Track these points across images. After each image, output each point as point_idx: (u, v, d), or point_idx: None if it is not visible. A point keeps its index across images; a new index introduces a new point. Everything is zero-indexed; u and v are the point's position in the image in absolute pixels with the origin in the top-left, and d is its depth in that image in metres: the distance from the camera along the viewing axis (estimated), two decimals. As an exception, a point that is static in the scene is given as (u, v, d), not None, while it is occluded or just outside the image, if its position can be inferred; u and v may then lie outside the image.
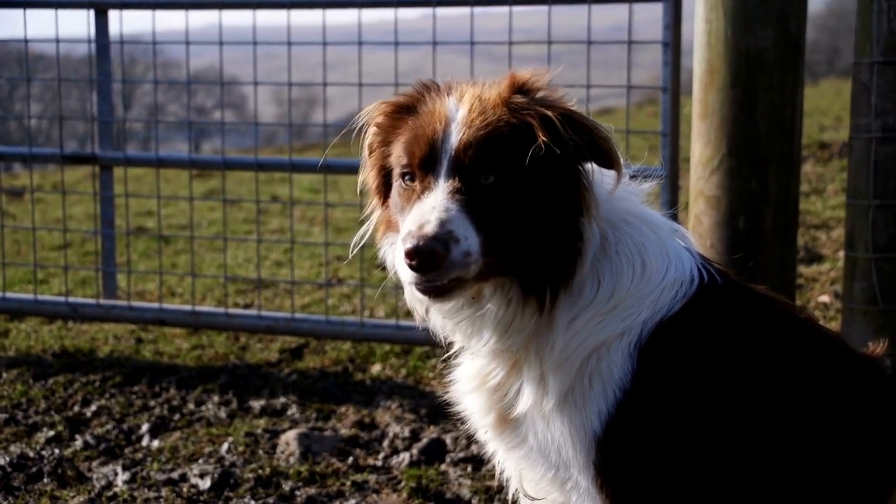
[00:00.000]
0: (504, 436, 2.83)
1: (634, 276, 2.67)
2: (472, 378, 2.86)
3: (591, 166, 2.64)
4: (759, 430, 2.62)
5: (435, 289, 2.54)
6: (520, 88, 2.66)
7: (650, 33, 5.35)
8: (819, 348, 2.76)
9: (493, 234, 2.53)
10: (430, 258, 2.45)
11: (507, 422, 2.80)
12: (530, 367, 2.72)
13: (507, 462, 2.90)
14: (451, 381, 2.98)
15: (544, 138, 2.54)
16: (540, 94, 2.66)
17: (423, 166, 2.62)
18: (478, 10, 5.74)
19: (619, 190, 2.70)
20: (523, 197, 2.56)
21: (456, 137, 2.59)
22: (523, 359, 2.74)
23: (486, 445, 2.97)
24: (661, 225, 2.80)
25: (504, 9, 5.69)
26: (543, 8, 5.55)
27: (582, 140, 2.57)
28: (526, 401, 2.73)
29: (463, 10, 5.82)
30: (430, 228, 2.47)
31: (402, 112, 2.76)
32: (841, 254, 7.58)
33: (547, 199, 2.58)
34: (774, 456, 2.61)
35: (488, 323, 2.70)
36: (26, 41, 6.74)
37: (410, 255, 2.46)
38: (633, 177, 2.85)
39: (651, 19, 5.42)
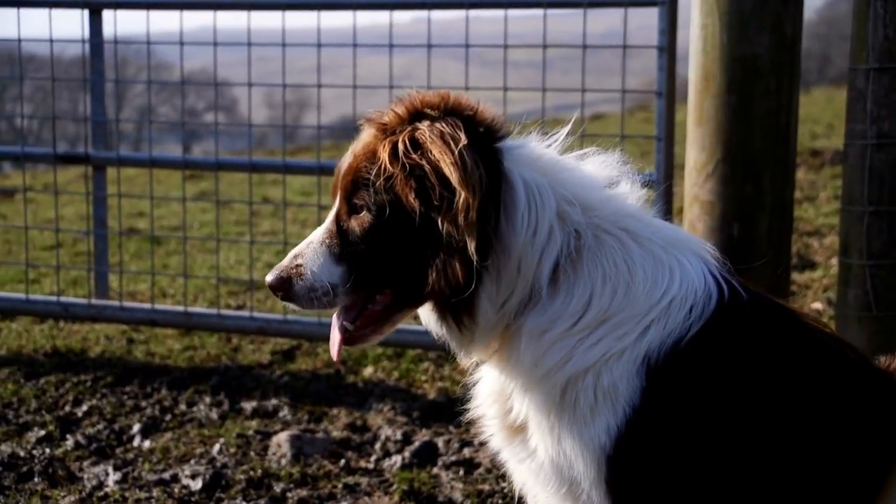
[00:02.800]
0: (513, 447, 2.77)
1: (618, 292, 2.58)
2: (492, 383, 2.83)
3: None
4: (773, 457, 2.55)
5: None
6: None
7: (642, 39, 5.35)
8: (846, 372, 2.67)
9: None
10: None
11: (517, 433, 2.74)
12: (512, 380, 2.69)
13: (517, 473, 2.83)
14: (473, 386, 2.93)
15: None
16: None
17: None
18: (472, 14, 5.75)
19: (613, 196, 2.69)
20: None
21: None
22: (505, 372, 2.72)
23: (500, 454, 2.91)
24: (662, 237, 2.70)
25: (499, 13, 5.69)
26: (539, 12, 5.56)
27: None
28: (517, 411, 2.70)
29: (457, 14, 5.83)
30: None
31: None
32: (833, 261, 7.61)
33: None
34: (791, 485, 2.56)
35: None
36: (20, 41, 6.73)
37: None
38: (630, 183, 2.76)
39: (643, 24, 5.43)
